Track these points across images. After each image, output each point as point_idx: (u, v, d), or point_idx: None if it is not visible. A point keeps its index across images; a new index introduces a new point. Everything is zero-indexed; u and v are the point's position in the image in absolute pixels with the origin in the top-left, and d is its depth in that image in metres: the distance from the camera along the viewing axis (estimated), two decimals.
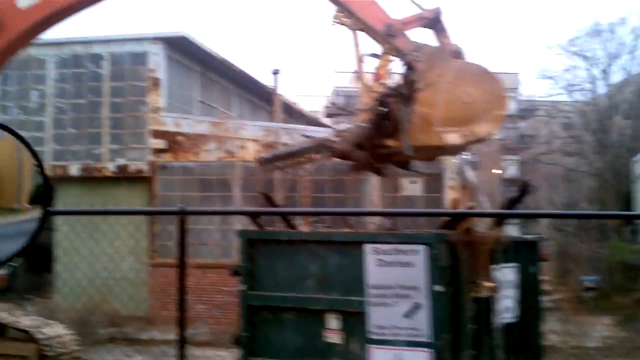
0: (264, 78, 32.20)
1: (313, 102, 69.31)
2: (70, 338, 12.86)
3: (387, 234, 6.98)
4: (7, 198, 2.76)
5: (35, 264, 22.80)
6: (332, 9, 9.11)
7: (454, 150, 8.69)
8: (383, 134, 8.34)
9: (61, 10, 10.89)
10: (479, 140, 8.24)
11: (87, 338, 14.63)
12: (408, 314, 5.00)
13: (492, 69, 8.39)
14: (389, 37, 8.74)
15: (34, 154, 2.85)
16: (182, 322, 4.90)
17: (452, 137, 8.00)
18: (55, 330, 12.63)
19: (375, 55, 8.85)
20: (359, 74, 9.11)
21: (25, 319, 12.71)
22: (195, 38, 24.62)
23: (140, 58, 23.95)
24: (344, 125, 7.99)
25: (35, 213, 2.77)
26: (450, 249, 6.46)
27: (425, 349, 5.17)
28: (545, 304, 15.77)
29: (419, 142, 8.12)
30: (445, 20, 8.85)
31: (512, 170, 66.76)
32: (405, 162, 8.79)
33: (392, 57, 8.90)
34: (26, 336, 12.45)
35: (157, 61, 23.66)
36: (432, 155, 9.04)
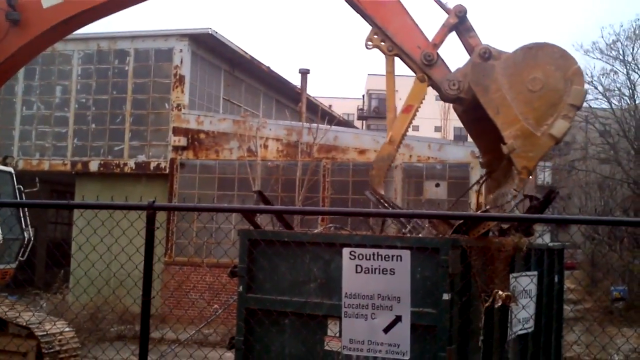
0: (292, 77, 31.95)
1: (345, 104, 69.11)
2: (72, 335, 12.64)
3: (394, 237, 6.56)
4: None
5: (54, 258, 22.78)
6: (367, 29, 8.63)
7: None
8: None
9: (82, 12, 10.75)
10: (581, 105, 7.80)
11: (94, 335, 14.42)
12: (388, 328, 4.54)
13: (534, 41, 7.92)
14: (425, 67, 8.29)
15: None
16: (146, 322, 4.51)
17: (560, 126, 7.57)
18: (56, 327, 12.42)
19: None
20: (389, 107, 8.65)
21: (27, 315, 12.51)
22: (222, 35, 24.39)
23: (165, 55, 23.83)
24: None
25: None
26: (462, 255, 6.01)
27: None
28: (570, 313, 15.27)
29: (536, 158, 7.71)
30: (470, 18, 8.37)
31: (545, 177, 65.81)
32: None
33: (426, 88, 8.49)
34: (27, 332, 12.27)
35: (182, 58, 23.47)
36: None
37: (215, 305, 17.82)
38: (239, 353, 6.55)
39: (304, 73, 28.23)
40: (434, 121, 60.90)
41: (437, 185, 21.05)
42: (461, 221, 6.57)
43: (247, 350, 6.51)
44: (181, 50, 23.56)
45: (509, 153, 7.62)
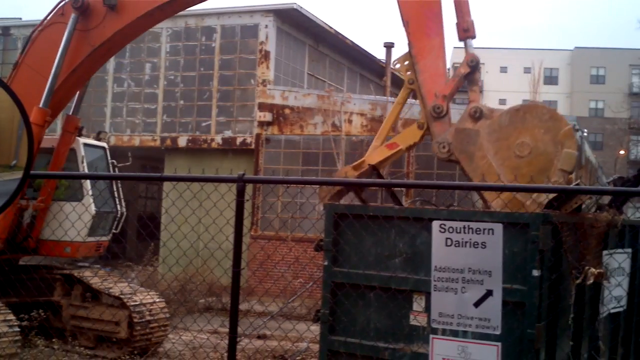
0: (377, 51, 31.70)
1: None
2: (162, 306, 13.03)
3: (483, 212, 6.46)
4: (5, 154, 2.53)
5: (146, 230, 23.53)
6: (404, 49, 8.52)
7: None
8: None
9: None
10: (573, 170, 7.36)
11: (183, 306, 14.84)
12: (478, 302, 4.48)
13: (519, 104, 7.60)
14: (431, 117, 8.10)
15: (23, 114, 2.59)
16: (236, 292, 4.61)
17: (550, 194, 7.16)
18: (146, 298, 12.83)
19: None
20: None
21: (119, 286, 12.97)
22: (307, 10, 24.43)
23: (250, 30, 24.05)
24: None
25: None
26: (553, 231, 5.87)
27: (496, 343, 4.65)
28: None
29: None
30: (479, 70, 8.26)
31: (639, 152, 63.42)
32: None
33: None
34: (119, 302, 12.73)
35: (267, 34, 23.64)
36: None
37: (300, 279, 18.03)
38: (325, 326, 6.62)
39: (389, 47, 27.90)
40: (523, 94, 59.46)
41: None
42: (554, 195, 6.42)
43: (332, 323, 6.57)
44: (266, 26, 23.73)
45: None
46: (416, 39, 8.42)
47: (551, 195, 6.51)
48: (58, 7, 11.90)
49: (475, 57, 8.20)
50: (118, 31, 11.41)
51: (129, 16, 11.26)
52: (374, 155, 8.51)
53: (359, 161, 8.56)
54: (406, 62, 8.50)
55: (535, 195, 7.04)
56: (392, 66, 8.77)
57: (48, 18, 12.04)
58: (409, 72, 8.48)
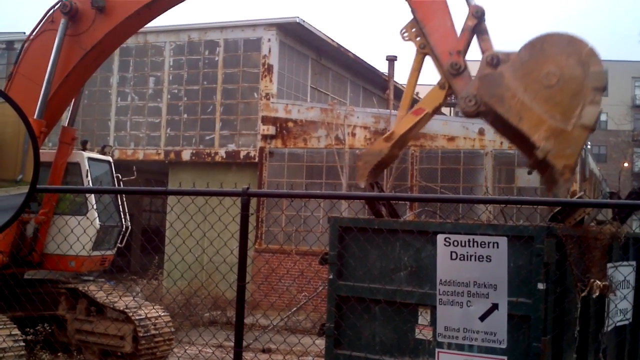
0: (379, 65, 31.77)
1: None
2: (167, 320, 13.01)
3: (487, 225, 6.45)
4: (11, 169, 2.54)
5: (150, 244, 23.54)
6: (407, 18, 8.46)
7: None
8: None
9: None
10: (605, 86, 7.26)
11: (188, 320, 14.81)
12: (484, 316, 4.48)
13: (537, 34, 7.48)
14: (450, 76, 8.04)
15: (28, 128, 2.59)
16: (241, 306, 4.61)
17: (590, 114, 7.02)
18: (151, 312, 12.80)
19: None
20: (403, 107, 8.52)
21: (124, 300, 12.95)
22: (309, 23, 24.52)
23: (253, 44, 24.16)
24: None
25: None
26: (557, 244, 5.86)
27: (502, 357, 4.64)
28: None
29: (574, 154, 7.19)
30: (487, 20, 8.10)
31: None
32: None
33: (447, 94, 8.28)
34: (124, 317, 12.71)
35: (270, 47, 23.74)
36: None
37: (305, 293, 18.02)
38: (329, 339, 6.60)
39: (391, 60, 27.99)
40: None
41: (530, 172, 20.50)
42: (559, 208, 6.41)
43: (337, 336, 6.55)
44: (269, 40, 23.82)
45: (544, 157, 7.14)
46: (419, 4, 8.36)
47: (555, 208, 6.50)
48: (48, 15, 12.02)
49: (480, 7, 8.08)
50: (108, 33, 11.59)
51: (118, 17, 11.45)
52: (402, 124, 8.36)
53: (390, 133, 8.44)
54: (413, 29, 8.42)
55: (574, 119, 6.97)
56: (400, 34, 8.57)
57: (39, 27, 12.16)
58: (418, 38, 8.38)
